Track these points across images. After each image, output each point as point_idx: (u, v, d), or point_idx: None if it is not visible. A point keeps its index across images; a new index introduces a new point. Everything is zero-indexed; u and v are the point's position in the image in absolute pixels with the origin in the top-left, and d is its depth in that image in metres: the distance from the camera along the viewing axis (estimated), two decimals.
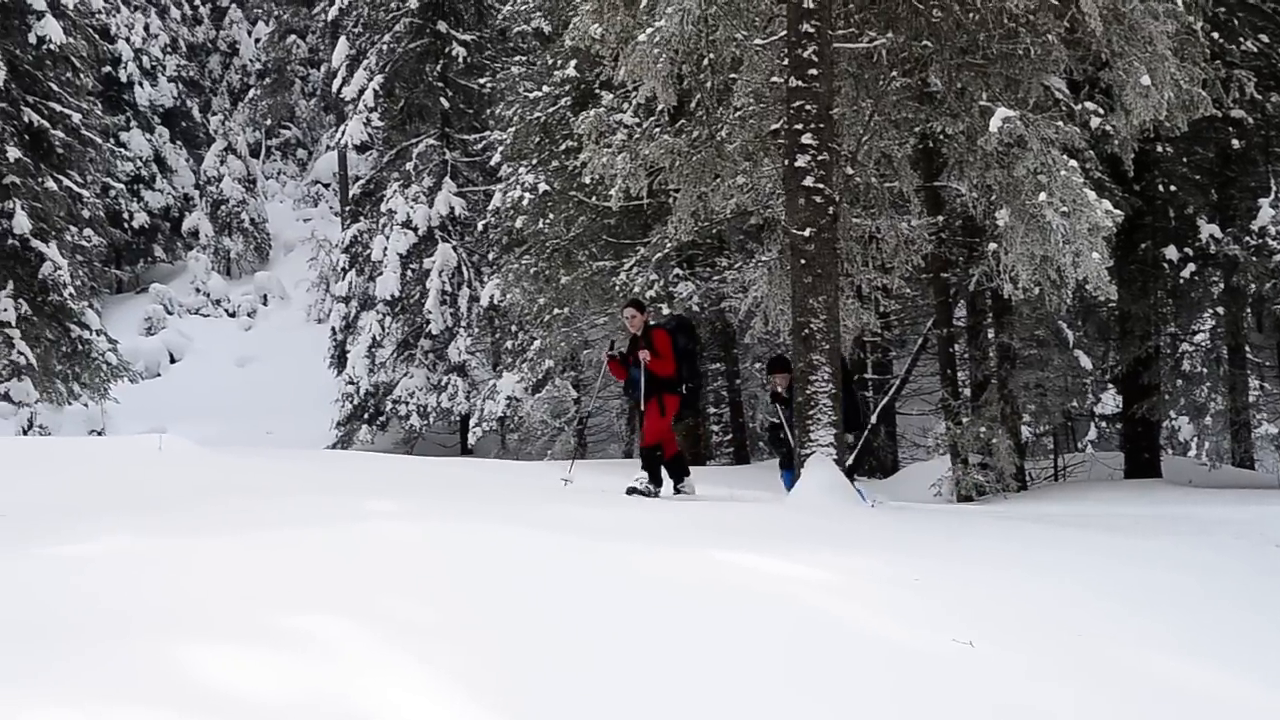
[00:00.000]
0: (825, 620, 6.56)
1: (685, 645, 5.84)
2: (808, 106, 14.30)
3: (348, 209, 43.54)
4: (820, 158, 14.28)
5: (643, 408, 14.29)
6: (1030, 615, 7.24)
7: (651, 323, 14.93)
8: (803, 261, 14.34)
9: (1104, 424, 26.75)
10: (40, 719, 4.12)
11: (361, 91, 38.48)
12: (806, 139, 14.25)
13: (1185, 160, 21.64)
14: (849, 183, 16.25)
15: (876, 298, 19.97)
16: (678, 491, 14.36)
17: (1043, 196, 14.39)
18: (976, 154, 15.58)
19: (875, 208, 17.71)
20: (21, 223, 31.55)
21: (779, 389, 15.98)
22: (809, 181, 14.22)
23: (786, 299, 16.72)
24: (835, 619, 6.61)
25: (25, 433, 31.84)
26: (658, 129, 19.04)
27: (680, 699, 5.22)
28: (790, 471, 15.55)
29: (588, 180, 19.28)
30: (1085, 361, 21.81)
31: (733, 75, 17.30)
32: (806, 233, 14.24)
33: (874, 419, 27.68)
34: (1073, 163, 14.73)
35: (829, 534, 10.17)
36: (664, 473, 14.34)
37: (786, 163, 14.64)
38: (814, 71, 14.29)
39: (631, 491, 13.63)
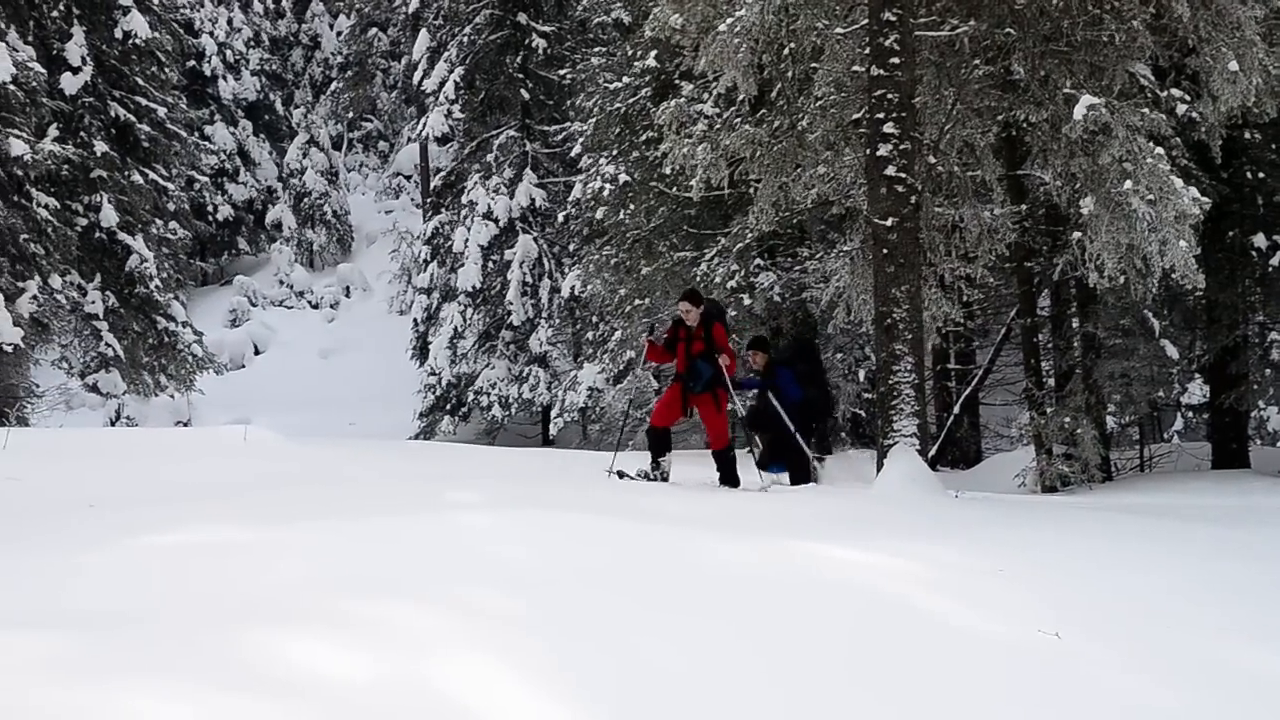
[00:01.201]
0: (907, 610, 6.53)
1: (765, 635, 5.83)
2: (889, 95, 14.25)
3: (429, 201, 43.69)
4: (902, 147, 14.23)
5: (695, 391, 13.76)
6: (1120, 607, 7.16)
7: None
8: (885, 251, 14.29)
9: (1190, 414, 26.41)
10: (133, 705, 4.17)
11: (442, 84, 38.60)
12: (888, 128, 14.21)
13: (1274, 146, 21.26)
14: (931, 172, 16.17)
15: (959, 287, 19.85)
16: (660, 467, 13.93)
17: (1128, 184, 14.27)
18: (1060, 142, 15.45)
19: (958, 197, 17.59)
20: (109, 215, 32.03)
21: (755, 367, 15.81)
22: (891, 171, 14.17)
23: (868, 289, 16.68)
24: (916, 609, 6.58)
25: (113, 424, 32.36)
26: (738, 119, 18.97)
27: (760, 692, 5.21)
28: (779, 466, 15.25)
29: (668, 171, 19.26)
30: (1171, 351, 21.50)
31: (814, 64, 17.24)
32: (889, 222, 14.18)
33: (957, 409, 27.64)
34: (1159, 150, 14.58)
35: (911, 524, 10.13)
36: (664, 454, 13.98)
37: (868, 152, 14.60)
38: (896, 60, 14.24)
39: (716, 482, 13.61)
